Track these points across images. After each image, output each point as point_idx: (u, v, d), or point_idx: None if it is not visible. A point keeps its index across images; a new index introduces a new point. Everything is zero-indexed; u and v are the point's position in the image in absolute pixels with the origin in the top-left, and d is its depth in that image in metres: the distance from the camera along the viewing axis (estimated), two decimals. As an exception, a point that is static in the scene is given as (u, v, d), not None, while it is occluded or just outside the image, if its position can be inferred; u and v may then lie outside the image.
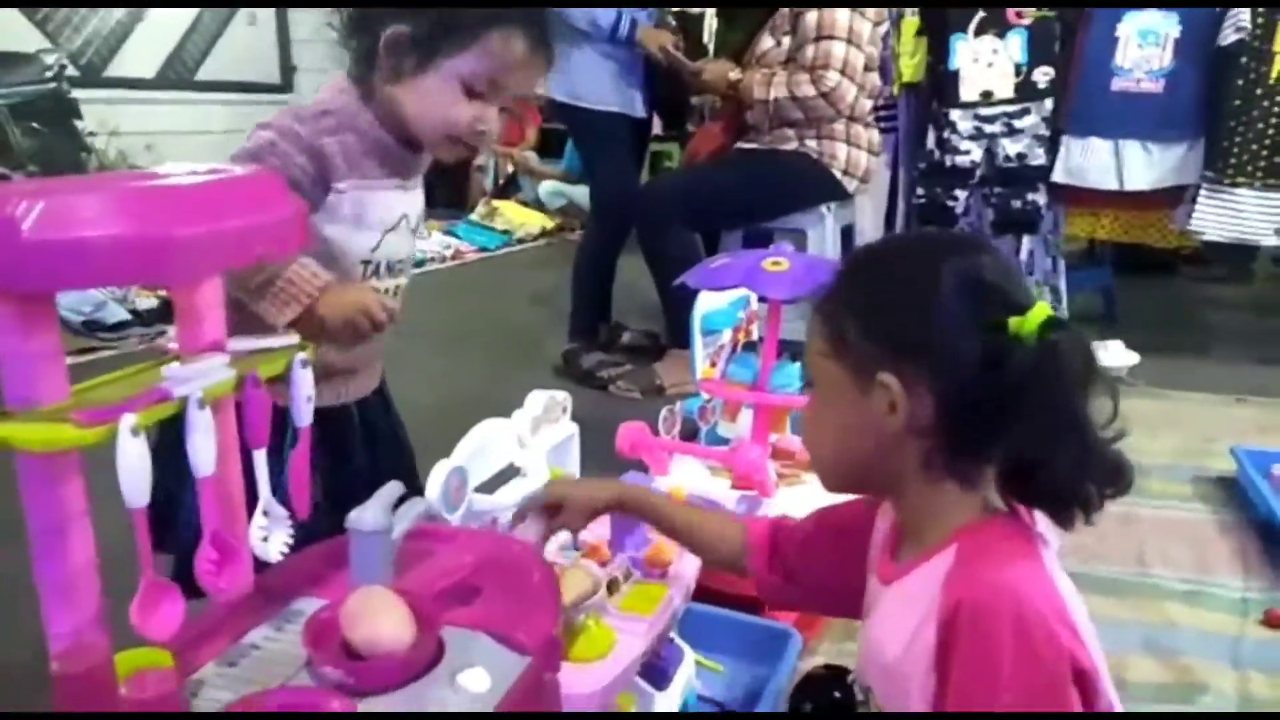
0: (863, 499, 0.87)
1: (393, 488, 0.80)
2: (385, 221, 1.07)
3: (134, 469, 0.55)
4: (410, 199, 1.11)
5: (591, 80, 2.69)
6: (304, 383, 0.71)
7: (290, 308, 0.93)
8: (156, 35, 5.42)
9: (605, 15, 2.60)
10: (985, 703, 0.63)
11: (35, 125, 4.02)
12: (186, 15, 5.57)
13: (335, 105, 1.03)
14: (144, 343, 2.92)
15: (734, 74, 2.50)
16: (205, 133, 5.52)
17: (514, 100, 1.06)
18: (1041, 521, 0.72)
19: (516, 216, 5.36)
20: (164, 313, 3.05)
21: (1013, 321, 0.66)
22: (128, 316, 2.93)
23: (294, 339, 0.74)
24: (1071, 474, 0.66)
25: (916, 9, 2.72)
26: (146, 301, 3.04)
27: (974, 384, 0.67)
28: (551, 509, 0.97)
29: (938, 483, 0.72)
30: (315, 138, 1.00)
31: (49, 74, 4.11)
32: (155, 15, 5.36)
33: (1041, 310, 0.66)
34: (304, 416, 0.72)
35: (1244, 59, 2.45)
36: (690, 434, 1.68)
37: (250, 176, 0.68)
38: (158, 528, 0.62)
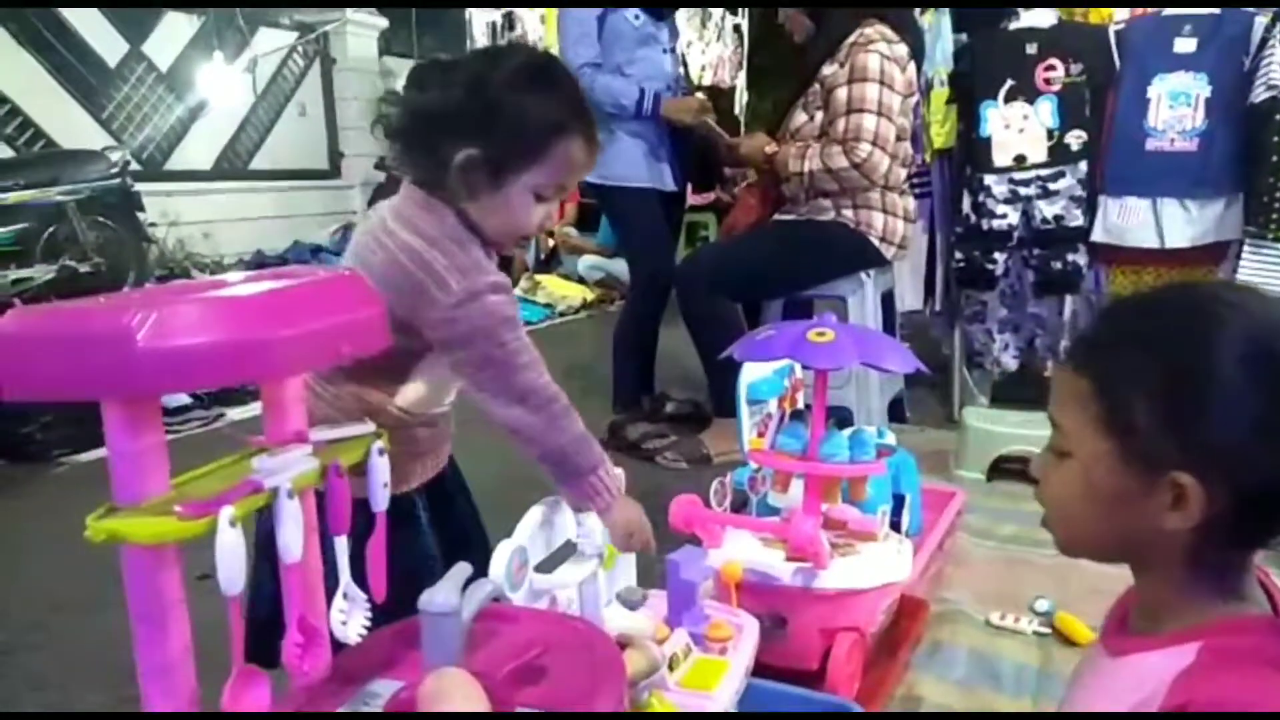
0: None
1: (462, 568, 0.83)
2: None
3: (232, 558, 0.59)
4: None
5: (621, 159, 2.79)
6: (381, 470, 0.75)
7: (596, 501, 1.08)
8: (213, 129, 5.69)
9: (628, 94, 2.71)
10: None
11: (100, 219, 4.22)
12: (241, 109, 5.86)
13: (433, 233, 1.03)
14: (204, 425, 3.01)
15: (770, 148, 2.57)
16: (258, 219, 5.75)
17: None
18: None
19: (558, 290, 5.47)
20: (221, 395, 3.15)
21: None
22: (188, 400, 3.03)
23: (370, 427, 0.78)
24: None
25: (945, 81, 2.77)
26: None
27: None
28: None
29: (1195, 570, 0.66)
30: (484, 274, 1.03)
31: (114, 170, 4.32)
32: (213, 111, 5.64)
33: None
34: (380, 502, 0.76)
35: (1277, 116, 2.45)
36: (740, 504, 1.68)
37: (334, 279, 0.72)
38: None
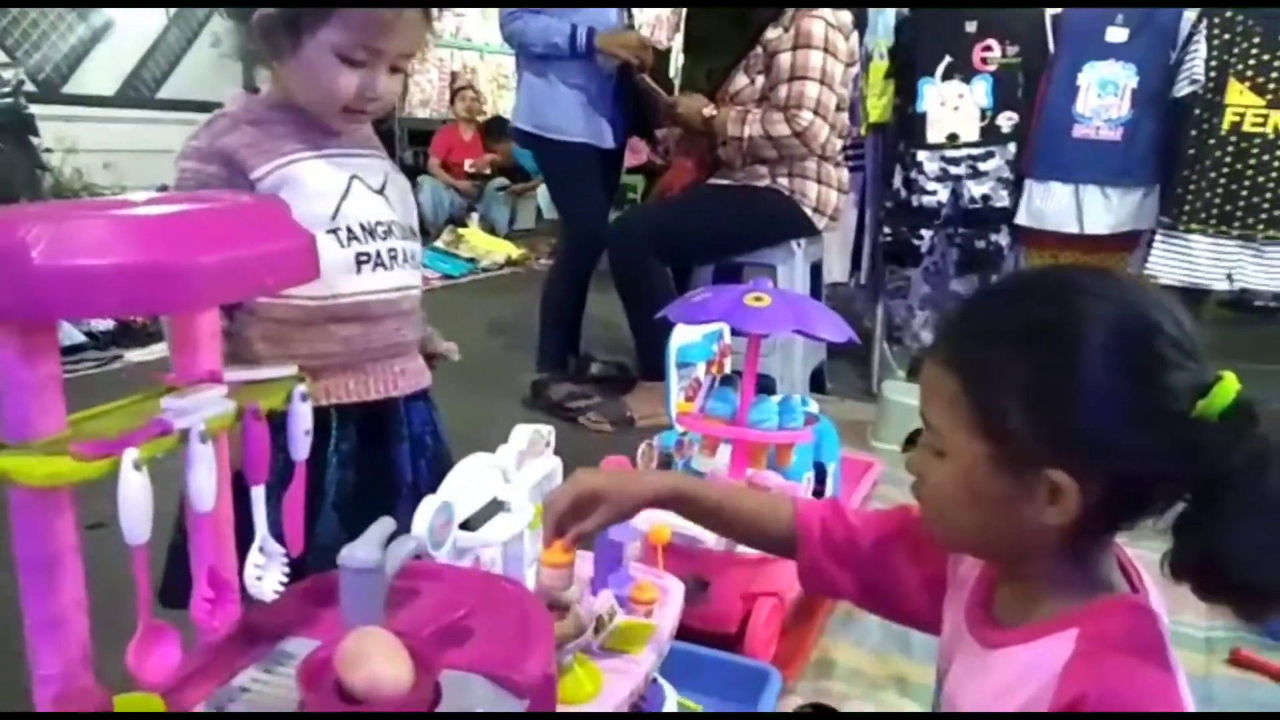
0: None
1: (384, 524, 0.79)
2: (328, 191, 1.05)
3: (137, 505, 0.54)
4: (357, 163, 1.09)
5: (558, 109, 2.70)
6: (303, 416, 0.70)
7: None
8: (118, 53, 5.34)
9: (560, 33, 2.60)
10: None
11: (-10, 140, 3.93)
12: (149, 34, 5.51)
13: (225, 110, 1.05)
14: (99, 367, 2.84)
15: (708, 110, 2.54)
16: (166, 151, 5.43)
17: (402, 59, 1.05)
18: (1151, 591, 0.69)
19: (481, 244, 5.35)
20: (120, 336, 2.98)
21: (1200, 405, 0.59)
22: (83, 339, 2.85)
23: (292, 369, 0.73)
24: (1269, 569, 0.59)
25: (885, 54, 2.78)
26: (103, 324, 2.97)
27: (1157, 476, 0.61)
28: (580, 507, 0.87)
29: (1067, 559, 0.67)
30: (212, 142, 1.01)
31: (5, 90, 4.01)
32: (117, 33, 5.29)
33: (1228, 387, 0.59)
34: (301, 450, 0.71)
35: (1197, 110, 2.54)
36: (664, 467, 1.67)
37: (258, 204, 0.66)
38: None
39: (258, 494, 0.67)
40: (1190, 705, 0.62)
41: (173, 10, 5.60)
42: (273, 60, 1.02)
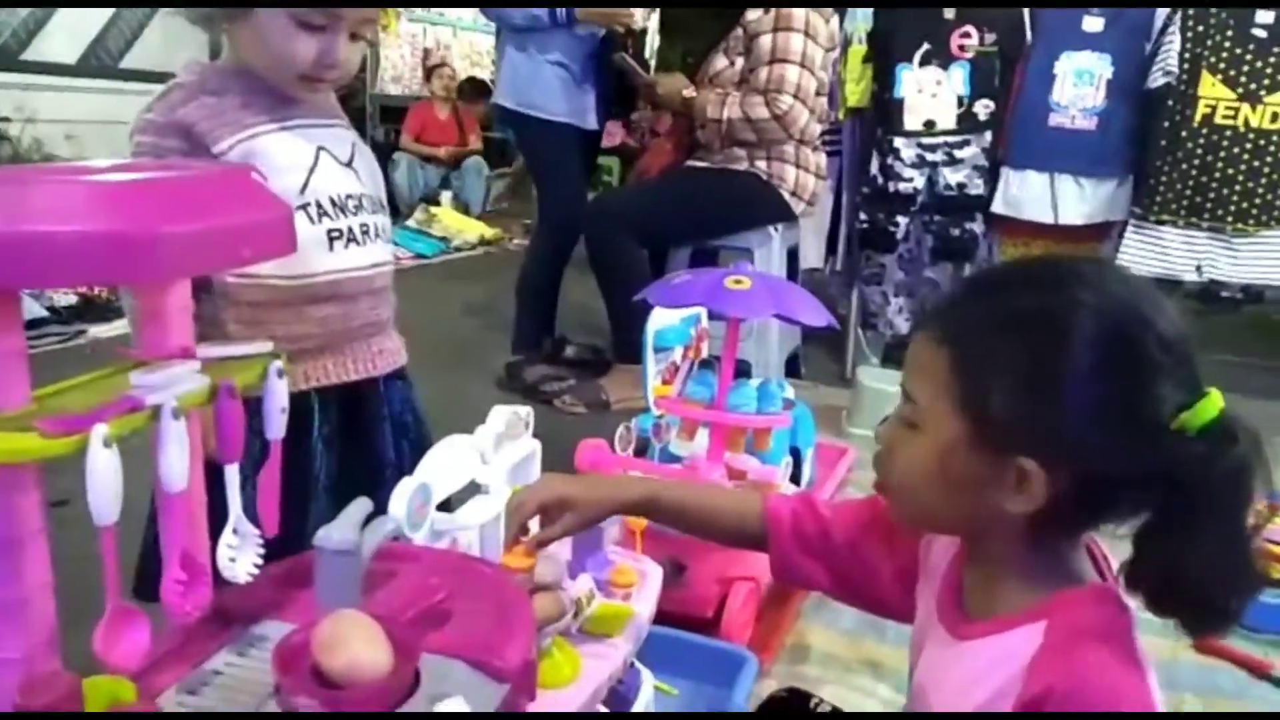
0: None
1: (361, 504, 0.77)
2: (296, 165, 1.01)
3: (106, 484, 0.51)
4: (323, 135, 1.05)
5: (540, 88, 2.67)
6: (279, 393, 0.67)
7: None
8: (79, 19, 5.19)
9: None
10: None
11: (-57, 107, 3.81)
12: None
13: (180, 80, 1.01)
14: (62, 342, 2.78)
15: (688, 91, 2.52)
16: (128, 123, 5.31)
17: (363, 25, 1.01)
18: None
19: (454, 224, 5.28)
20: (84, 310, 2.91)
21: (1181, 417, 0.59)
22: (45, 314, 2.78)
23: (267, 346, 0.70)
24: (1224, 588, 0.60)
25: (864, 39, 2.77)
26: (65, 298, 2.89)
27: (1125, 479, 0.62)
28: (546, 512, 0.88)
29: (1034, 550, 0.67)
30: (169, 114, 0.97)
31: (-39, 55, 3.89)
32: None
33: (1212, 404, 0.59)
34: (277, 429, 0.69)
35: (1170, 102, 2.56)
36: (640, 451, 1.66)
37: (231, 173, 0.64)
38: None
39: (231, 473, 0.65)
40: (1158, 700, 0.62)
41: (136, -25, 5.45)
42: (225, 23, 0.98)
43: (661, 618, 1.24)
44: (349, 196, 1.05)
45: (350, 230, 1.04)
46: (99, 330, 2.89)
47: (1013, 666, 0.63)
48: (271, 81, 1.00)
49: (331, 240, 1.02)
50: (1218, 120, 2.54)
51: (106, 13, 5.34)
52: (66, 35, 5.14)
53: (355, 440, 1.08)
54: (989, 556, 0.70)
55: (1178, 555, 0.60)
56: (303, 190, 1.00)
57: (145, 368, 0.60)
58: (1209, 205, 2.59)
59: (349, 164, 1.06)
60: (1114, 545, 0.69)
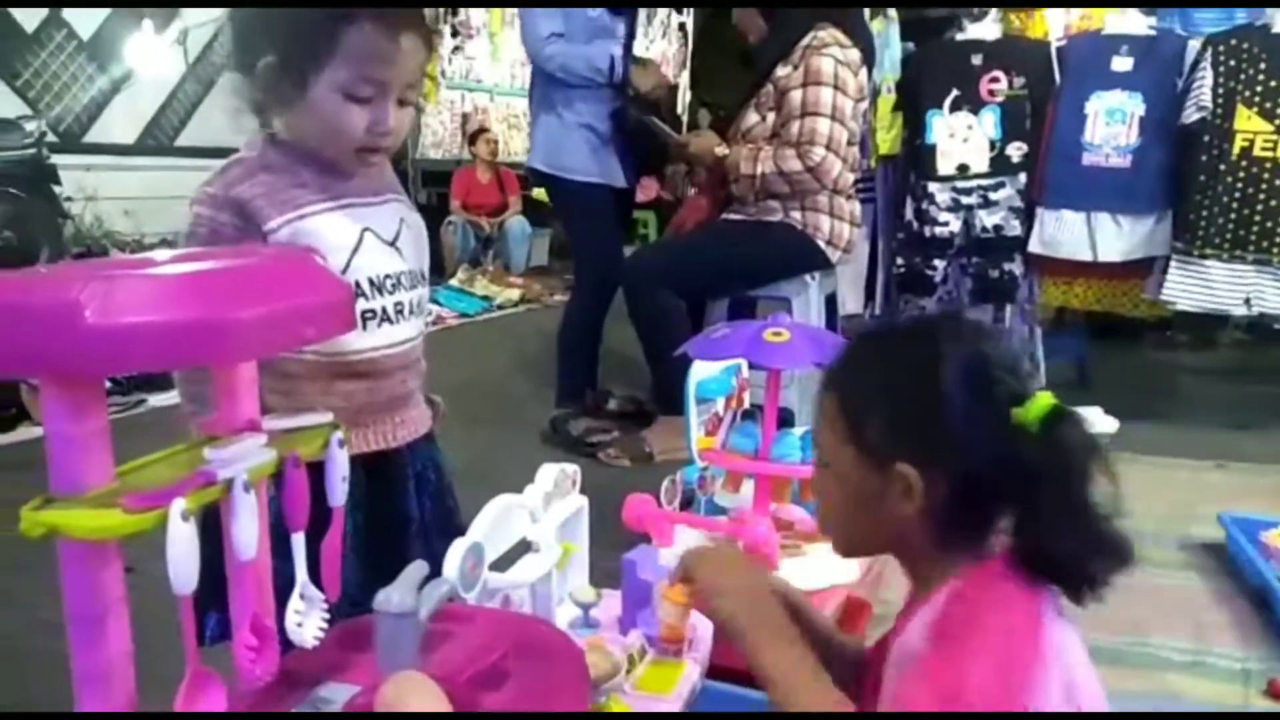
0: None
1: (418, 567, 0.79)
2: (340, 245, 1.03)
3: (184, 555, 0.54)
4: (371, 214, 1.08)
5: (570, 151, 2.76)
6: (340, 463, 0.71)
7: None
8: (137, 102, 5.46)
9: (601, 58, 2.69)
10: (957, 655, 0.67)
11: (13, 191, 4.00)
12: (169, 82, 5.63)
13: (241, 156, 1.04)
14: (123, 411, 2.87)
15: (720, 149, 2.56)
16: (184, 197, 5.51)
17: (409, 91, 1.04)
18: None
19: (494, 286, 5.41)
20: (142, 381, 3.01)
21: (1016, 412, 0.71)
22: (107, 384, 2.88)
23: (327, 417, 0.74)
24: (1079, 556, 0.70)
25: (892, 88, 2.81)
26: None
27: (984, 472, 0.72)
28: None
29: (947, 552, 0.76)
30: (227, 190, 1.01)
31: (28, 140, 4.10)
32: (136, 83, 5.41)
33: (1043, 401, 0.71)
34: (339, 496, 0.72)
35: (1206, 137, 2.55)
36: (685, 503, 1.67)
37: (291, 257, 0.68)
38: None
39: (298, 541, 0.68)
40: (1051, 627, 0.70)
41: (190, 59, 5.72)
42: (282, 110, 1.02)
43: (717, 672, 1.24)
44: (387, 276, 1.08)
45: (384, 310, 1.07)
46: (157, 399, 2.99)
47: (920, 627, 0.73)
48: (327, 156, 1.04)
49: (365, 320, 1.05)
50: (1256, 153, 2.52)
51: (163, 93, 5.60)
52: (126, 116, 5.41)
53: (379, 500, 1.10)
54: (912, 560, 0.80)
55: (1042, 534, 0.70)
56: (344, 270, 1.03)
57: (217, 442, 0.64)
58: (1253, 238, 2.56)
59: (393, 243, 1.09)
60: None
